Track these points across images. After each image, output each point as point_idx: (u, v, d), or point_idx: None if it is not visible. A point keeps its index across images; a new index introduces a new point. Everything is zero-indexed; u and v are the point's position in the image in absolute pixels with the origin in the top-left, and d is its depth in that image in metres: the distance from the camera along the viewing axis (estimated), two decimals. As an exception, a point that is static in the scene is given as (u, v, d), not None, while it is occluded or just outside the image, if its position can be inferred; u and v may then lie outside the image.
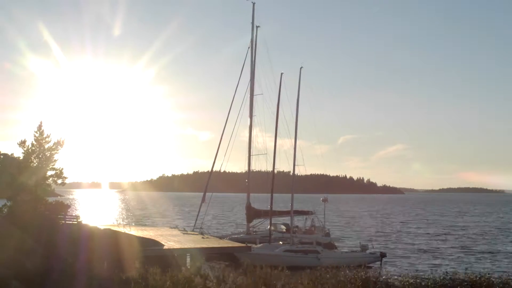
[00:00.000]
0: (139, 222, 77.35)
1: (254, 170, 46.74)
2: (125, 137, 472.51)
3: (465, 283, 16.71)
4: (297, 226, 45.47)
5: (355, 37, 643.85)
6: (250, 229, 45.85)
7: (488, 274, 17.93)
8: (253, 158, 46.03)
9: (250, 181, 46.57)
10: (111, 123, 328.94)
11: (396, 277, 18.24)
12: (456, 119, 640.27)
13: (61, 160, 31.14)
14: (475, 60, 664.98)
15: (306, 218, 46.51)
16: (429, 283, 16.88)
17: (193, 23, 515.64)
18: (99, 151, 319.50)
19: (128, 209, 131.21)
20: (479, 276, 17.30)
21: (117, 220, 58.24)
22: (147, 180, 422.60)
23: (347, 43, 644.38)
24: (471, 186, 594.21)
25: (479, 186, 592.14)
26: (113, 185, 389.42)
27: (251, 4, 46.89)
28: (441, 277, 17.36)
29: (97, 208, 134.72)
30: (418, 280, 17.18)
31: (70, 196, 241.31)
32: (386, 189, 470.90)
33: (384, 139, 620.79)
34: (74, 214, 35.34)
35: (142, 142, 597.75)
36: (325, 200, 45.12)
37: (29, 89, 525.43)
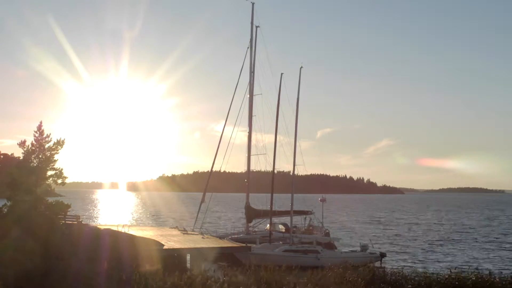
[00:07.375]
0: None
1: (254, 170, 46.73)
2: (130, 138, 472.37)
3: (468, 283, 16.71)
4: (295, 226, 45.44)
5: (343, 35, 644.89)
6: (250, 229, 45.86)
7: (490, 273, 17.94)
8: (252, 158, 46.07)
9: (250, 181, 46.55)
10: (121, 127, 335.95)
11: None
12: (447, 115, 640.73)
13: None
14: (475, 56, 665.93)
15: (305, 218, 46.48)
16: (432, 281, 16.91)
17: (206, 35, 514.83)
18: (115, 153, 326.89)
19: (142, 208, 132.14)
20: (481, 275, 17.30)
21: (129, 220, 58.19)
22: (147, 180, 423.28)
23: (335, 41, 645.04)
24: (471, 186, 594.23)
25: (479, 186, 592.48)
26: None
27: (250, 4, 47.09)
28: (440, 276, 17.38)
29: (103, 208, 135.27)
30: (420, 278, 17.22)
31: (92, 196, 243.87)
32: (386, 189, 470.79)
33: (366, 132, 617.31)
34: (74, 214, 35.28)
35: (143, 143, 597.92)
36: (323, 200, 45.14)
37: (45, 97, 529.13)
